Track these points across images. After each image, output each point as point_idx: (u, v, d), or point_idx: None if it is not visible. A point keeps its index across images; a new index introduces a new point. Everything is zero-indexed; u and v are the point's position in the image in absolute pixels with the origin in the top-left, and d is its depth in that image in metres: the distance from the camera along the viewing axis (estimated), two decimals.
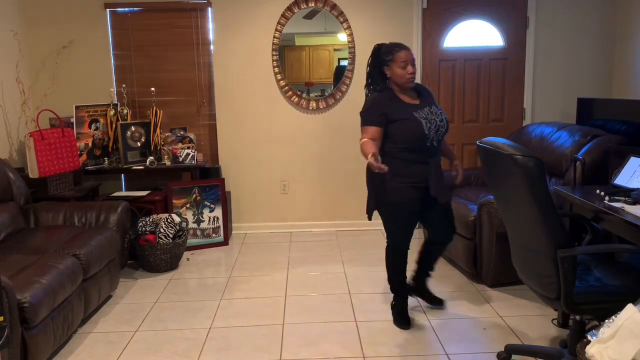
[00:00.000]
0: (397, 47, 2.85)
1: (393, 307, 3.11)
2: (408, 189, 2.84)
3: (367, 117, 2.86)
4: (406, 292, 3.12)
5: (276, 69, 4.71)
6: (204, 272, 3.98)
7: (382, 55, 2.87)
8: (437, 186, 2.86)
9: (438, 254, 3.22)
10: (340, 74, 4.77)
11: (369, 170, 2.82)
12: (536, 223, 2.18)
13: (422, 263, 3.21)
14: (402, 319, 3.04)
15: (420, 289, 3.27)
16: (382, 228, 3.07)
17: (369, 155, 2.60)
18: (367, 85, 2.98)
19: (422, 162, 2.83)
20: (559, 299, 2.21)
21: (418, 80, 4.73)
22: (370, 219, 3.00)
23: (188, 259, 4.25)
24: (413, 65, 2.84)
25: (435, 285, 3.62)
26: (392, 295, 3.12)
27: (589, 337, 1.94)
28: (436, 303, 3.26)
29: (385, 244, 3.05)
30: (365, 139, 2.78)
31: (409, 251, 3.02)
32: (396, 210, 2.90)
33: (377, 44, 2.94)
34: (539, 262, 2.26)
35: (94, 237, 3.27)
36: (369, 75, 2.96)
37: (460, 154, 4.89)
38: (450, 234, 3.09)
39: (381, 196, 2.90)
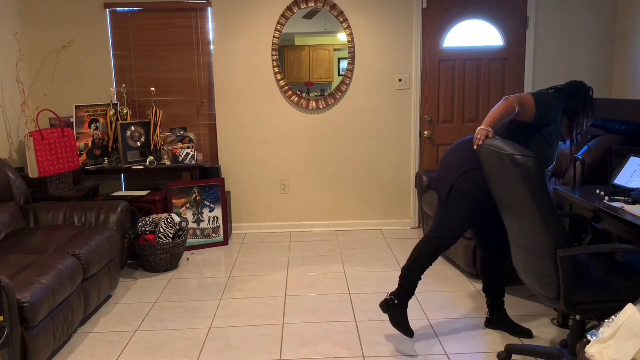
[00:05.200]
0: (592, 119, 2.76)
1: (395, 307, 2.80)
2: (485, 185, 2.75)
3: (548, 108, 2.68)
4: (410, 296, 2.90)
5: (276, 69, 4.71)
6: (204, 272, 3.98)
7: (586, 107, 2.74)
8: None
9: (492, 267, 2.98)
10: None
11: None
12: (536, 223, 2.18)
13: (486, 281, 2.99)
14: (407, 325, 2.79)
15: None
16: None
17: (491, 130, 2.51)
18: (558, 91, 2.81)
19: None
20: (559, 299, 2.21)
21: (418, 80, 4.75)
22: (447, 200, 2.86)
23: (188, 259, 4.25)
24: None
25: (435, 285, 3.62)
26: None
27: (589, 337, 1.94)
28: (520, 332, 2.91)
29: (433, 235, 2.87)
30: (515, 106, 2.62)
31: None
32: (473, 201, 2.75)
33: (592, 95, 2.81)
34: (539, 262, 2.26)
35: (94, 237, 3.27)
36: (568, 100, 2.74)
37: None
38: (497, 246, 2.93)
39: (470, 182, 2.74)
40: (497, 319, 2.96)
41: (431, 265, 2.84)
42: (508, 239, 2.78)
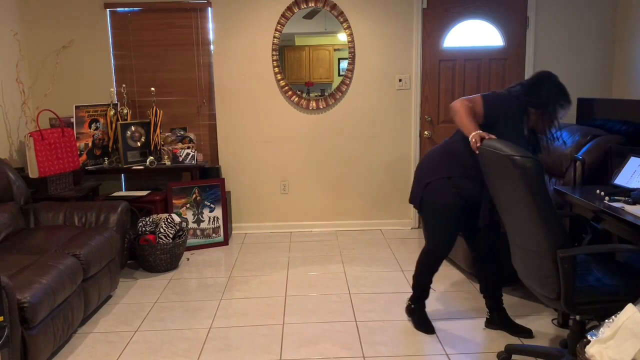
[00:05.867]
0: (568, 103, 2.68)
1: (413, 311, 3.05)
2: (456, 196, 2.81)
3: (494, 104, 2.70)
4: (425, 298, 3.07)
5: (276, 69, 4.71)
6: (204, 272, 3.98)
7: (559, 99, 2.67)
8: (485, 208, 2.78)
9: (485, 268, 3.02)
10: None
11: None
12: (536, 223, 2.18)
13: (481, 282, 3.05)
14: (427, 324, 2.99)
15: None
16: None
17: (476, 132, 2.51)
18: (511, 87, 2.78)
19: (479, 180, 2.67)
20: (559, 299, 2.21)
21: (418, 80, 4.75)
22: (421, 213, 2.98)
23: (188, 259, 4.25)
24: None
25: (435, 285, 3.62)
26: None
27: (589, 337, 1.94)
28: (520, 332, 2.92)
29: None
30: (466, 104, 2.66)
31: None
32: (446, 211, 2.86)
33: (559, 82, 2.77)
34: (539, 262, 2.26)
35: (94, 237, 3.27)
36: (528, 93, 2.68)
37: None
38: (485, 248, 2.96)
39: (438, 193, 2.83)
40: (496, 319, 2.97)
41: (436, 271, 2.99)
42: (497, 238, 2.88)
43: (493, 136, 2.43)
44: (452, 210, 2.80)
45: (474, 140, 2.45)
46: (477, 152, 2.46)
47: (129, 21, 4.65)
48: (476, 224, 2.83)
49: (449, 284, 3.63)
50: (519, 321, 3.02)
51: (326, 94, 4.79)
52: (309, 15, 4.70)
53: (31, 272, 2.66)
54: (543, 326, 2.99)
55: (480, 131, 2.46)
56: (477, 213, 2.78)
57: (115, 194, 4.40)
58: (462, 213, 2.80)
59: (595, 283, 2.29)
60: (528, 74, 4.77)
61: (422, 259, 2.99)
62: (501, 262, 2.95)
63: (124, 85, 4.61)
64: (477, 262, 3.03)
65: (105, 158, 4.51)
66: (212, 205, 4.55)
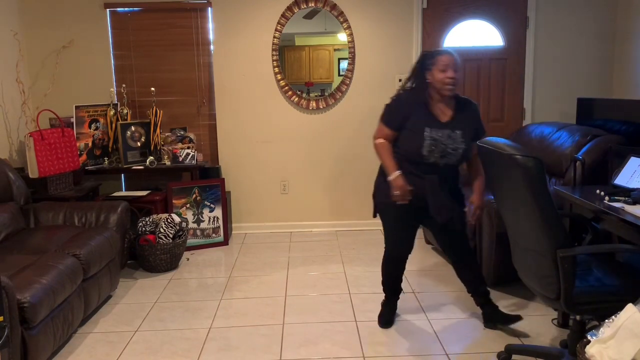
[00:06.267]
0: (440, 51, 2.76)
1: (382, 305, 3.13)
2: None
3: (389, 115, 2.84)
4: (396, 297, 3.12)
5: (276, 69, 4.71)
6: (204, 272, 3.98)
7: (425, 60, 2.77)
8: (435, 204, 2.75)
9: (464, 274, 3.03)
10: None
11: (381, 167, 2.90)
12: (536, 223, 2.18)
13: (465, 284, 3.07)
14: (383, 317, 3.07)
15: (488, 313, 3.03)
16: (382, 228, 3.07)
17: (394, 176, 2.73)
18: (405, 81, 2.89)
19: (418, 175, 2.75)
20: (559, 299, 2.21)
21: None
22: (374, 216, 3.01)
23: (188, 259, 4.25)
24: (455, 70, 2.69)
25: (435, 285, 3.62)
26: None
27: (589, 337, 1.94)
28: (512, 320, 2.95)
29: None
30: (381, 142, 2.84)
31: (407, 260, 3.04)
32: (387, 211, 2.90)
33: (424, 51, 2.89)
34: (539, 262, 2.26)
35: (94, 237, 3.27)
36: (413, 77, 2.83)
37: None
38: (459, 254, 2.98)
39: (378, 194, 2.91)
40: (487, 314, 3.00)
41: (398, 274, 3.06)
42: (468, 243, 2.96)
43: (409, 187, 2.71)
44: (393, 208, 2.81)
45: (395, 188, 2.72)
46: (394, 200, 2.72)
47: (129, 21, 4.65)
48: (445, 228, 2.85)
49: (449, 284, 3.63)
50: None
51: (326, 94, 4.79)
52: (309, 15, 4.70)
53: (31, 272, 2.66)
54: (543, 326, 2.99)
55: (398, 176, 2.72)
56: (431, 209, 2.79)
57: (115, 194, 4.40)
58: (406, 210, 2.79)
59: (595, 283, 2.29)
60: (528, 74, 4.78)
61: (383, 263, 3.08)
62: (476, 262, 3.05)
63: (124, 85, 4.61)
64: (456, 266, 3.04)
65: (105, 158, 4.51)
66: (212, 205, 4.55)
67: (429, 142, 2.69)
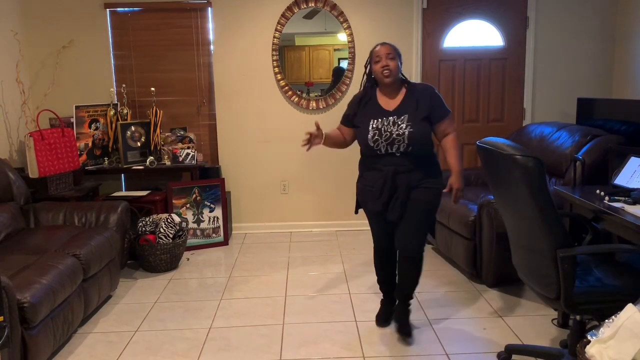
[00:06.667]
0: (376, 45, 2.84)
1: (380, 303, 3.14)
2: (366, 192, 2.86)
3: (344, 113, 2.98)
4: (392, 295, 3.06)
5: (276, 69, 4.71)
6: (204, 272, 3.98)
7: (369, 57, 2.88)
8: (381, 199, 2.76)
9: (402, 272, 2.90)
10: (339, 74, 4.76)
11: None
12: (536, 223, 2.18)
13: (397, 282, 2.99)
14: (379, 316, 3.08)
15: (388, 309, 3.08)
16: None
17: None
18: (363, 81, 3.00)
19: (378, 169, 2.78)
20: (559, 299, 2.21)
21: (418, 80, 4.74)
22: (355, 212, 3.07)
23: (188, 259, 4.25)
24: (389, 58, 2.75)
25: (435, 285, 3.62)
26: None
27: (589, 337, 1.94)
28: (402, 332, 2.91)
29: None
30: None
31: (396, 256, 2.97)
32: (362, 209, 2.98)
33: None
34: (539, 262, 2.26)
35: (94, 237, 3.27)
36: (365, 75, 2.96)
37: (461, 154, 4.88)
38: (403, 244, 2.82)
39: (357, 192, 2.99)
40: (390, 311, 3.07)
41: (392, 267, 3.02)
42: (418, 244, 2.82)
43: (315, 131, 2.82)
44: (363, 204, 2.94)
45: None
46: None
47: (129, 21, 4.65)
48: (386, 228, 2.90)
49: (449, 284, 3.63)
50: (519, 321, 3.02)
51: (326, 94, 4.79)
52: (309, 15, 4.70)
53: (31, 272, 2.66)
54: (543, 326, 2.99)
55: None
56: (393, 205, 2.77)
57: (115, 194, 4.40)
58: (373, 210, 2.87)
59: (595, 283, 2.29)
60: (528, 74, 4.78)
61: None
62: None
63: (124, 85, 4.61)
64: (398, 262, 2.93)
65: (105, 158, 4.51)
66: (212, 205, 4.55)
67: (372, 133, 2.75)
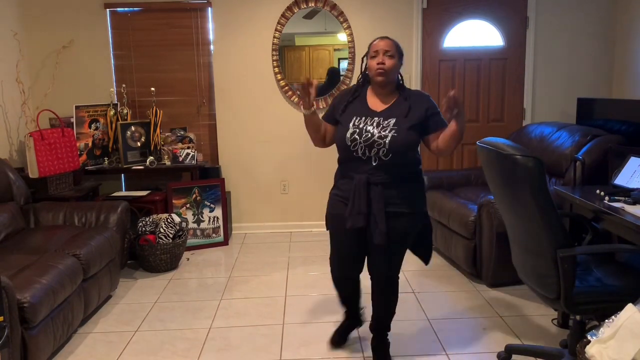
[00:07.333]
0: (376, 38, 2.52)
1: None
2: (337, 203, 2.52)
3: (328, 108, 2.66)
4: (352, 319, 2.86)
5: (276, 69, 4.71)
6: (204, 272, 3.98)
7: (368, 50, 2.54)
8: (352, 207, 2.39)
9: (380, 302, 2.63)
10: (333, 75, 4.75)
11: None
12: (536, 223, 2.18)
13: (372, 315, 2.71)
14: (333, 335, 2.84)
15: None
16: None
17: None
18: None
19: (350, 177, 2.45)
20: (559, 299, 2.21)
21: (418, 80, 4.74)
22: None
23: (188, 259, 4.25)
24: (387, 55, 2.41)
25: (435, 285, 3.62)
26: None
27: (589, 337, 1.94)
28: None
29: None
30: None
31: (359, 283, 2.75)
32: (328, 223, 2.60)
33: None
34: (539, 262, 2.26)
35: (94, 237, 3.27)
36: (362, 69, 2.62)
37: (460, 154, 4.90)
38: (377, 278, 2.57)
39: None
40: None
41: (344, 297, 2.78)
42: (393, 270, 2.56)
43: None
44: (333, 220, 2.53)
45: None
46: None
47: (129, 21, 4.65)
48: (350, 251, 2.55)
49: (449, 284, 3.63)
50: (517, 321, 3.02)
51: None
52: (309, 15, 4.70)
53: (31, 272, 2.66)
54: (543, 326, 2.99)
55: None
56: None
57: (115, 194, 4.40)
58: (338, 230, 2.51)
59: (595, 283, 2.29)
60: (528, 74, 4.78)
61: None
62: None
63: (124, 85, 4.61)
64: (372, 290, 2.65)
65: (105, 158, 4.51)
66: (212, 205, 4.55)
67: (351, 131, 2.41)
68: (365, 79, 2.56)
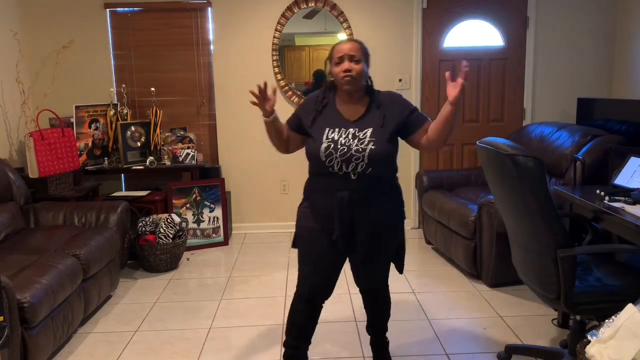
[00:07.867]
0: (340, 41, 2.30)
1: None
2: (308, 218, 2.32)
3: (292, 114, 2.43)
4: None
5: (276, 69, 4.71)
6: (204, 272, 3.98)
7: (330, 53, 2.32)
8: (339, 228, 2.22)
9: (375, 308, 2.54)
10: (320, 78, 4.74)
11: None
12: (536, 223, 2.18)
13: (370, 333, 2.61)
14: None
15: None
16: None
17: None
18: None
19: (329, 193, 2.24)
20: (559, 299, 2.21)
21: (418, 80, 4.74)
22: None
23: (188, 259, 4.25)
24: (354, 61, 2.21)
25: (435, 285, 3.62)
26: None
27: (589, 337, 1.94)
28: None
29: None
30: None
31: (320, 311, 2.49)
32: (296, 238, 2.38)
33: None
34: (539, 262, 2.26)
35: (94, 237, 3.27)
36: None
37: (460, 154, 4.89)
38: (370, 280, 2.43)
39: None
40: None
41: (299, 325, 2.47)
42: (385, 290, 2.48)
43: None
44: (310, 234, 2.31)
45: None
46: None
47: (129, 21, 4.65)
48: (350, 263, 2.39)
49: (449, 284, 3.63)
50: (517, 321, 3.02)
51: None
52: (309, 15, 4.70)
53: (31, 272, 2.66)
54: (543, 326, 2.99)
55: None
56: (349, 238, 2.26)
57: (115, 194, 4.40)
58: (316, 239, 2.28)
59: (595, 283, 2.29)
60: (528, 74, 4.78)
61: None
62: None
63: (124, 85, 4.61)
64: (367, 312, 2.57)
65: (105, 158, 4.51)
66: (212, 205, 4.55)
67: (326, 144, 2.20)
68: (332, 85, 2.33)
